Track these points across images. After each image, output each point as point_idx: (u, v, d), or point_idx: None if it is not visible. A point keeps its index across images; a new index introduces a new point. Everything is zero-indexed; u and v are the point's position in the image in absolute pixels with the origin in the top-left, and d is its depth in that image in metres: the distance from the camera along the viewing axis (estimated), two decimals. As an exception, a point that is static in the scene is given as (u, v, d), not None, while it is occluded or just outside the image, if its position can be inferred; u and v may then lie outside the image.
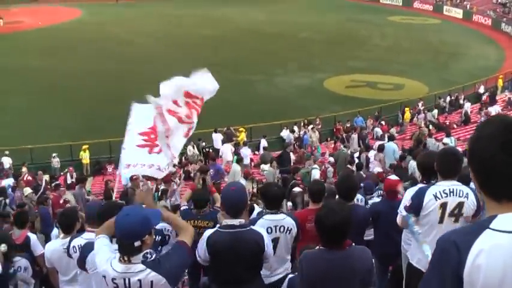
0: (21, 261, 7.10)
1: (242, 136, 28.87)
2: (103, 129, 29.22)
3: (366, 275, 4.35)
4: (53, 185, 18.47)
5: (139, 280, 3.87)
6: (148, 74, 40.97)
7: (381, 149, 18.75)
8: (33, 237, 8.36)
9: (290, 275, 5.44)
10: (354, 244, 4.37)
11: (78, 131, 30.61)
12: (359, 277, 4.30)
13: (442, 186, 5.06)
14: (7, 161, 25.51)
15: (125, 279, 3.89)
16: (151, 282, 3.88)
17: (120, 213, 4.04)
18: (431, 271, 2.26)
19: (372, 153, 19.54)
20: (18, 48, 51.66)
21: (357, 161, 18.32)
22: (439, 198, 5.05)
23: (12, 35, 58.48)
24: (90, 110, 34.16)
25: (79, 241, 5.82)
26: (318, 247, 4.38)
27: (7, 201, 15.75)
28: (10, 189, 17.69)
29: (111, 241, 4.50)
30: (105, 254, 4.12)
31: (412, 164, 13.92)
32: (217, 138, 27.96)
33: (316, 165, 18.35)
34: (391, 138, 20.56)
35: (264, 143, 27.69)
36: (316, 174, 17.18)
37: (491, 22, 64.38)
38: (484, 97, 35.52)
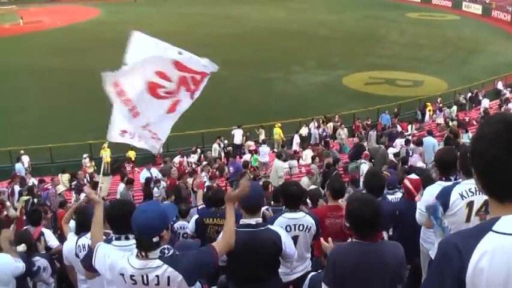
0: (40, 261, 7.13)
1: (279, 132, 28.41)
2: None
3: (397, 270, 4.31)
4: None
5: (157, 276, 3.87)
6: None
7: (419, 143, 19.07)
8: (46, 232, 8.66)
9: (312, 273, 5.38)
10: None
11: (98, 129, 30.58)
12: (390, 272, 4.25)
13: (467, 184, 4.95)
14: (26, 160, 25.55)
15: (143, 276, 3.88)
16: (168, 278, 3.87)
17: (138, 210, 4.04)
18: (431, 275, 2.22)
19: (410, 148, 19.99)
20: (37, 47, 52.01)
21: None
22: (466, 197, 4.93)
23: (32, 35, 58.98)
24: (109, 109, 34.05)
25: (83, 240, 5.88)
26: (350, 240, 4.37)
27: (35, 200, 16.13)
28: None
29: (128, 238, 4.58)
30: (117, 253, 4.15)
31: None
32: (238, 134, 27.87)
33: (364, 160, 18.28)
34: (430, 133, 21.02)
35: (297, 138, 27.74)
36: (365, 168, 17.10)
37: (510, 18, 64.06)
38: (505, 95, 34.97)
